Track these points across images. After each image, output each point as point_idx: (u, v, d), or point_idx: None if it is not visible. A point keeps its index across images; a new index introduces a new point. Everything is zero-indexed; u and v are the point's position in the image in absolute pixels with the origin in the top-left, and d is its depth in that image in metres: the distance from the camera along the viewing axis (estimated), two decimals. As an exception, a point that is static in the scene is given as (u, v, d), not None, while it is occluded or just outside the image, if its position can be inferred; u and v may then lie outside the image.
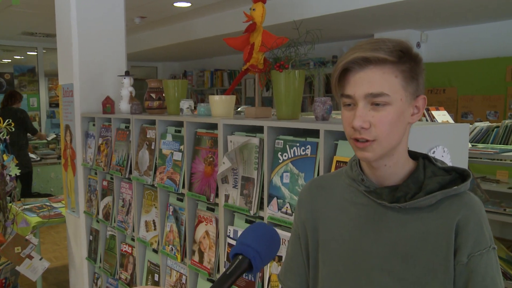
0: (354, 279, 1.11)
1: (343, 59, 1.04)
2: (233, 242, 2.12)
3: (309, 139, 1.82)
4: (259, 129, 2.03)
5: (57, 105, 7.77)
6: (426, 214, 1.06)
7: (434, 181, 1.06)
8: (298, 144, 1.85)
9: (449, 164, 1.71)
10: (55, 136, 7.96)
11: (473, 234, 1.02)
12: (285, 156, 1.89)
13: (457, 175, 1.09)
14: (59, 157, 7.11)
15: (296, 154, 1.85)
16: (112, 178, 3.18)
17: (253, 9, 2.22)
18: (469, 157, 2.62)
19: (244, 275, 1.91)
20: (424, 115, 3.44)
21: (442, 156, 1.68)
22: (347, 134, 1.08)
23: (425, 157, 1.14)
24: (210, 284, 2.32)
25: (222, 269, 2.19)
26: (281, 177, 1.90)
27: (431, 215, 1.05)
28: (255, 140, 2.01)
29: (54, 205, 4.50)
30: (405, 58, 1.02)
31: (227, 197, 2.17)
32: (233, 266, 0.78)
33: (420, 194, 1.05)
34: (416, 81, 1.05)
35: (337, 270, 1.14)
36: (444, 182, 1.06)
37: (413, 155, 1.14)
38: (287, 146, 1.89)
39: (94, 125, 3.42)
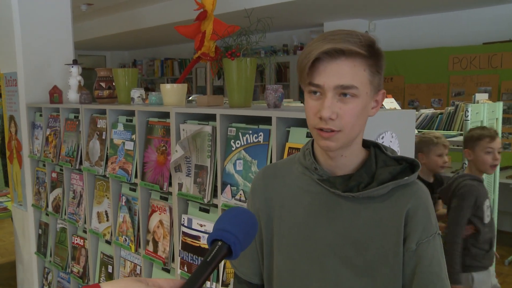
0: (308, 266, 1.13)
1: (314, 48, 1.02)
2: (188, 231, 2.12)
3: (261, 127, 1.84)
4: (212, 117, 2.03)
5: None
6: (378, 203, 1.09)
7: (386, 171, 1.09)
8: (250, 132, 1.87)
9: (397, 149, 1.78)
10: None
11: (421, 222, 1.07)
12: (238, 143, 1.91)
13: (407, 165, 1.13)
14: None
15: (249, 141, 1.87)
16: (61, 170, 3.10)
17: (204, -3, 2.20)
18: (415, 143, 2.73)
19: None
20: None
21: (391, 141, 1.74)
22: (311, 124, 1.07)
23: (376, 145, 1.16)
24: (165, 273, 2.32)
25: (177, 258, 2.19)
26: (234, 165, 1.91)
27: (383, 205, 1.09)
28: (207, 128, 2.02)
29: (-1, 199, 4.34)
30: (372, 53, 1.03)
31: (180, 185, 2.16)
32: (212, 253, 0.76)
33: (373, 184, 1.08)
34: (379, 76, 1.06)
35: (292, 257, 1.16)
36: (395, 172, 1.10)
37: (364, 143, 1.16)
38: (240, 133, 1.90)
39: (41, 115, 3.31)
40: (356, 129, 1.06)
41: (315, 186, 1.14)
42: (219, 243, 0.78)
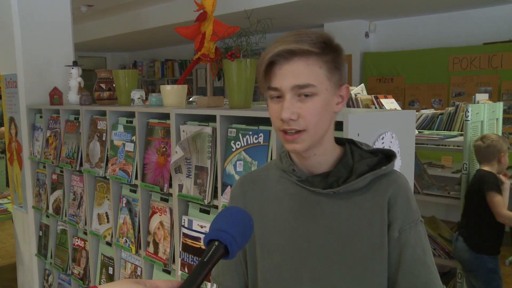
0: (295, 269, 1.13)
1: (268, 52, 1.04)
2: (188, 232, 2.12)
3: (261, 128, 1.84)
4: (212, 118, 2.03)
5: None
6: (358, 196, 1.10)
7: (363, 163, 1.10)
8: (250, 133, 1.86)
9: (397, 149, 1.78)
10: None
11: (402, 209, 1.08)
12: (238, 144, 1.91)
13: (383, 156, 1.14)
14: (2, 151, 6.82)
15: (249, 142, 1.86)
16: (62, 171, 3.10)
17: (204, -2, 2.20)
18: (416, 143, 2.74)
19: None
20: (373, 103, 3.53)
21: (391, 142, 1.74)
22: (275, 127, 1.08)
23: (351, 141, 1.18)
24: (166, 275, 2.32)
25: (178, 259, 2.19)
26: (235, 166, 1.91)
27: (364, 197, 1.10)
28: (207, 129, 2.01)
29: None
30: (327, 49, 1.04)
31: (180, 186, 2.16)
32: (210, 253, 0.77)
33: (352, 177, 1.09)
34: (339, 71, 1.07)
35: (277, 263, 1.15)
36: (372, 163, 1.11)
37: (338, 141, 1.18)
38: (240, 134, 1.90)
39: (41, 117, 3.31)
40: (321, 127, 1.06)
41: (295, 188, 1.15)
42: (216, 243, 0.79)
